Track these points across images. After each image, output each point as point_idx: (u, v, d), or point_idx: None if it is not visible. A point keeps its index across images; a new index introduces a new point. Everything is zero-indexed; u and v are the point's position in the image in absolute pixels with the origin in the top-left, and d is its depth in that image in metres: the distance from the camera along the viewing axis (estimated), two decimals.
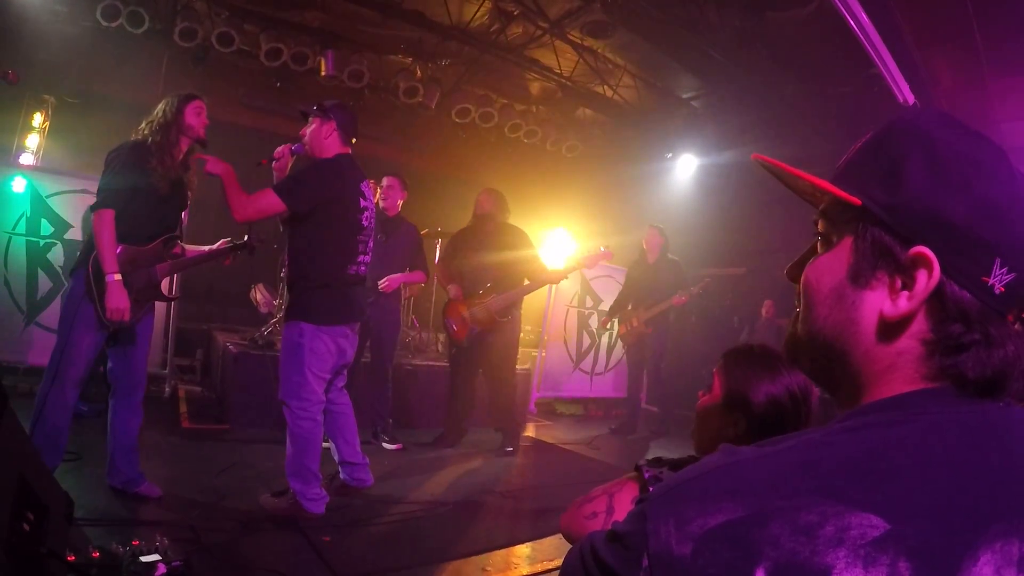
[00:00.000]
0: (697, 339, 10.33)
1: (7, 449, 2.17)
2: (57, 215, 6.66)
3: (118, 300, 3.78)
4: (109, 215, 3.81)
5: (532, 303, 6.75)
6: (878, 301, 0.78)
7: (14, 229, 6.50)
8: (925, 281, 0.74)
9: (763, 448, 0.72)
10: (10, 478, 2.17)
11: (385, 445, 6.08)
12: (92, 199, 3.97)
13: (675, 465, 1.56)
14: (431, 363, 7.66)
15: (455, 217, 7.79)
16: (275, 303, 7.96)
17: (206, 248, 4.46)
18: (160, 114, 4.04)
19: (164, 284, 4.31)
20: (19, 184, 6.54)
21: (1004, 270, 0.74)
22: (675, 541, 0.66)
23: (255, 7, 8.64)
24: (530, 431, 7.93)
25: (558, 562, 3.87)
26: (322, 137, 4.25)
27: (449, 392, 6.66)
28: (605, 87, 10.14)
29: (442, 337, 8.44)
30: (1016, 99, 7.44)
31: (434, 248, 8.36)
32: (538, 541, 4.33)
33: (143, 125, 4.07)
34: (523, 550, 4.22)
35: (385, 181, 6.13)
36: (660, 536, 0.67)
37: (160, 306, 6.02)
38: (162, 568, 3.03)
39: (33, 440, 3.44)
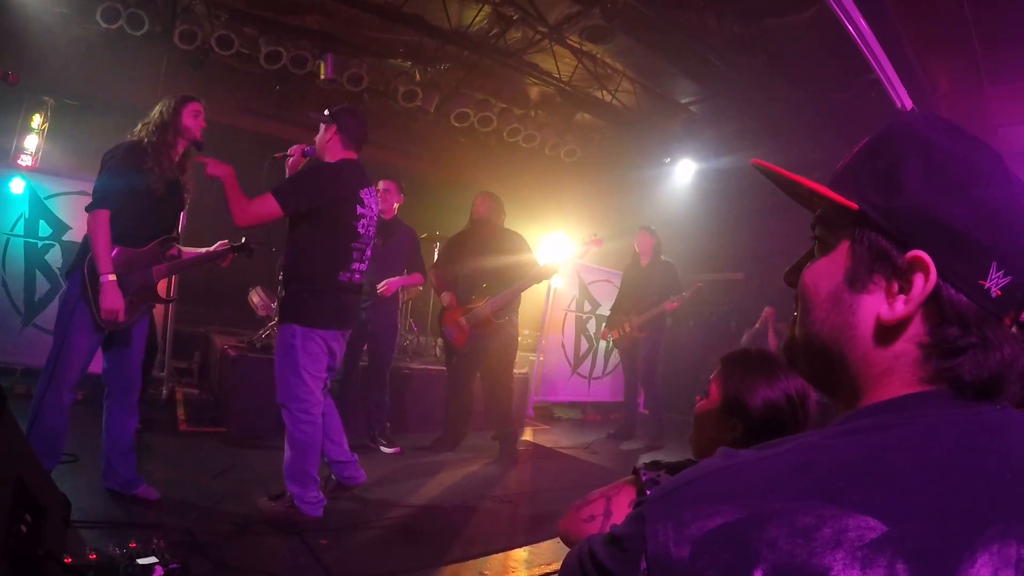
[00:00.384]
0: (695, 344, 10.35)
1: (5, 450, 2.17)
2: (55, 217, 6.66)
3: (112, 301, 3.77)
4: (104, 216, 3.80)
5: (530, 307, 6.75)
6: (875, 305, 0.79)
7: (12, 230, 6.50)
8: (922, 285, 0.74)
9: (761, 451, 0.73)
10: (8, 480, 2.17)
11: (383, 449, 6.08)
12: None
13: (673, 468, 1.56)
14: (429, 367, 7.66)
15: (454, 221, 7.80)
16: (273, 306, 7.95)
17: (203, 250, 4.46)
18: (157, 115, 4.04)
19: (161, 286, 4.30)
20: (18, 185, 6.54)
21: (1000, 273, 0.74)
22: (673, 544, 0.66)
23: (255, 10, 8.65)
24: (528, 435, 7.93)
25: (556, 566, 3.87)
26: (325, 140, 4.29)
27: (447, 396, 6.65)
28: (604, 92, 10.16)
29: (440, 341, 8.44)
30: (1014, 104, 7.45)
31: (433, 252, 8.37)
32: (536, 545, 4.32)
33: (140, 127, 4.07)
34: (520, 554, 4.22)
35: (381, 184, 6.12)
36: (658, 539, 0.67)
37: (158, 308, 6.03)
38: (159, 571, 3.02)
39: (30, 442, 3.43)
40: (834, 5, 5.92)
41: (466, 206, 6.75)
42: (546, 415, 9.53)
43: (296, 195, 4.09)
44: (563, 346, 9.72)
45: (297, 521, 4.05)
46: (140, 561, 3.05)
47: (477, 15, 8.53)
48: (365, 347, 6.23)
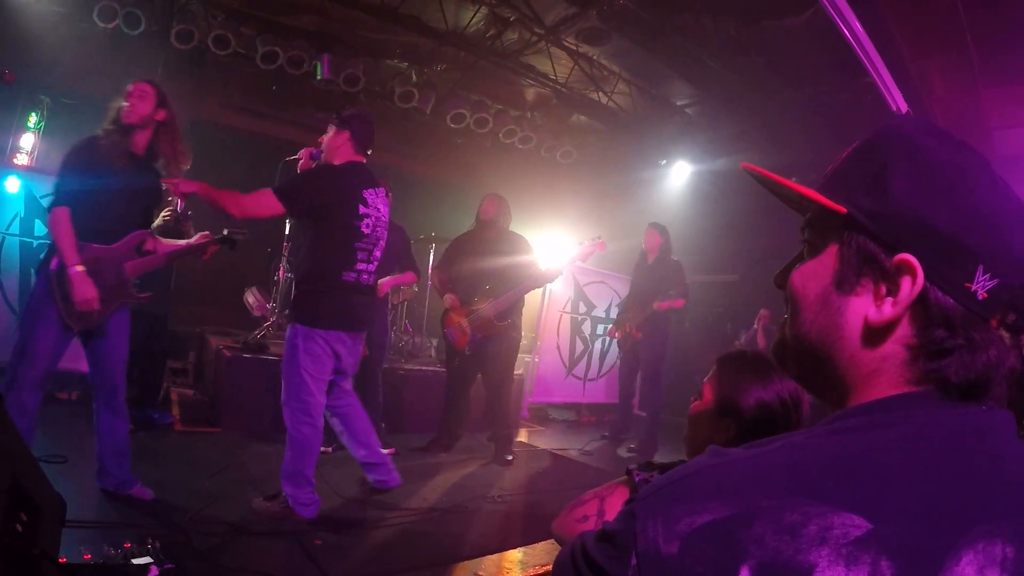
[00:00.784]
0: (690, 345, 10.35)
1: (0, 449, 2.17)
2: None
3: (84, 291, 3.69)
4: (62, 212, 3.72)
5: (525, 309, 6.74)
6: (863, 307, 0.80)
7: (8, 229, 6.49)
8: (909, 288, 0.75)
9: (749, 450, 0.74)
10: (3, 478, 2.17)
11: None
12: None
13: (665, 469, 1.56)
14: (424, 368, 7.66)
15: (449, 222, 7.81)
16: (268, 306, 7.97)
17: (182, 243, 4.38)
18: (114, 107, 3.96)
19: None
20: (13, 184, 6.54)
21: (987, 276, 0.75)
22: (663, 540, 0.67)
23: (252, 10, 8.65)
24: (523, 436, 7.94)
25: (550, 567, 3.88)
26: (335, 145, 4.32)
27: (446, 397, 6.66)
28: (600, 94, 10.17)
29: (435, 342, 8.45)
30: (1009, 107, 7.47)
31: (428, 253, 8.37)
32: (530, 546, 4.33)
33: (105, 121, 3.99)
34: (515, 555, 4.23)
35: None
36: (648, 535, 0.68)
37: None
38: (154, 571, 3.02)
39: None
40: (829, 8, 5.94)
41: (462, 207, 6.77)
42: (541, 416, 9.55)
43: (294, 192, 4.11)
44: (558, 347, 9.72)
45: (291, 521, 4.06)
46: (135, 561, 3.05)
47: (474, 16, 8.54)
48: None
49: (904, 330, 0.78)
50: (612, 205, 12.07)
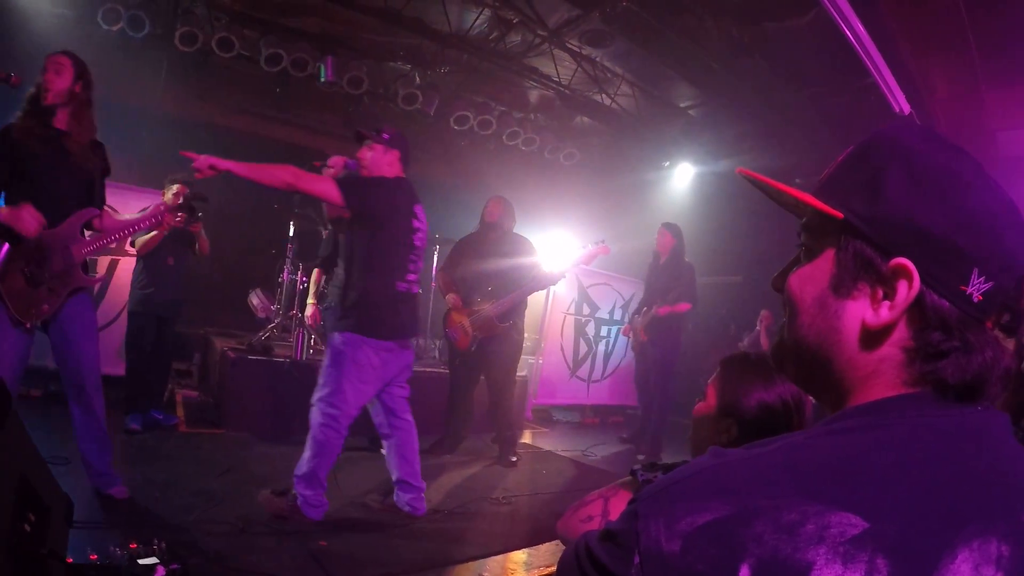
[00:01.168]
0: (693, 347, 10.34)
1: (10, 449, 2.18)
2: None
3: (24, 222, 3.54)
4: None
5: (529, 310, 6.76)
6: (860, 310, 0.81)
7: None
8: (906, 291, 0.77)
9: (749, 450, 0.75)
10: (12, 478, 2.18)
11: (383, 451, 6.09)
12: None
13: (669, 470, 1.58)
14: (428, 369, 7.66)
15: (452, 224, 7.81)
16: (272, 308, 7.98)
17: (136, 215, 4.20)
18: (31, 87, 3.77)
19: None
20: None
21: (982, 279, 0.76)
22: (665, 539, 0.68)
23: (255, 13, 8.66)
24: (527, 438, 7.95)
25: (555, 568, 3.89)
26: (386, 162, 4.35)
27: (449, 399, 6.66)
28: (603, 96, 10.17)
29: (439, 343, 8.45)
30: (1012, 108, 7.46)
31: (432, 255, 8.37)
32: (535, 547, 4.34)
33: None
34: (520, 556, 4.24)
35: None
36: (651, 534, 0.69)
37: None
38: (160, 571, 3.04)
39: None
40: (831, 9, 5.95)
41: (465, 209, 6.77)
42: (545, 418, 9.55)
43: (358, 190, 4.15)
44: (562, 349, 9.73)
45: (296, 521, 4.08)
46: (141, 562, 3.07)
47: (477, 18, 8.55)
48: None
49: (901, 333, 0.79)
50: (616, 207, 12.06)
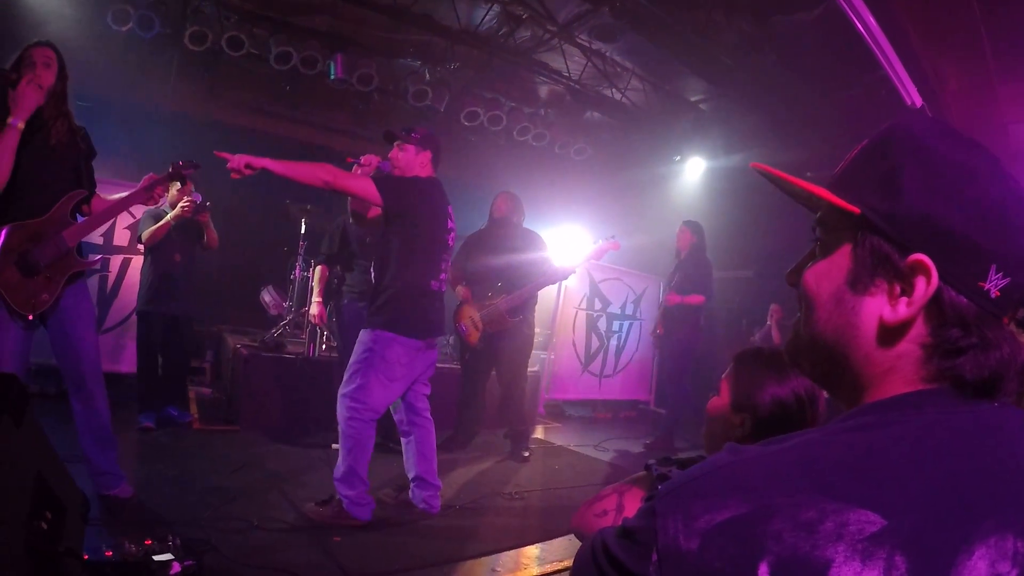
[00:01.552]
0: (705, 342, 10.32)
1: (27, 448, 2.20)
2: None
3: (27, 98, 3.51)
4: None
5: (540, 305, 6.76)
6: (877, 307, 0.80)
7: None
8: (924, 288, 0.76)
9: (766, 447, 0.75)
10: (29, 477, 2.20)
11: (393, 447, 6.10)
12: None
13: (683, 464, 1.58)
14: (440, 365, 7.64)
15: (464, 221, 7.77)
16: (284, 305, 8.01)
17: (124, 194, 4.09)
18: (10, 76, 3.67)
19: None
20: None
21: (1000, 275, 0.76)
22: (683, 536, 0.68)
23: (265, 11, 8.68)
24: (539, 433, 7.95)
25: (568, 563, 3.89)
26: (420, 163, 4.40)
27: (461, 395, 6.67)
28: (613, 90, 10.15)
29: (452, 339, 8.45)
30: None
31: None
32: (548, 542, 4.34)
33: None
34: (533, 551, 4.24)
35: None
36: (669, 531, 0.69)
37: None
38: (175, 567, 3.06)
39: None
40: (843, 2, 5.92)
41: (477, 205, 6.77)
42: (557, 413, 9.55)
43: (400, 194, 4.19)
44: (574, 344, 9.72)
45: (345, 525, 4.10)
46: (156, 558, 3.08)
47: (486, 14, 8.55)
48: None
49: (919, 329, 0.79)
50: (627, 202, 12.04)
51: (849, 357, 0.83)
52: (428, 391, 4.66)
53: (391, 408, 4.55)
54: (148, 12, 7.87)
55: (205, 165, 4.17)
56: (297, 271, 7.88)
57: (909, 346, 0.79)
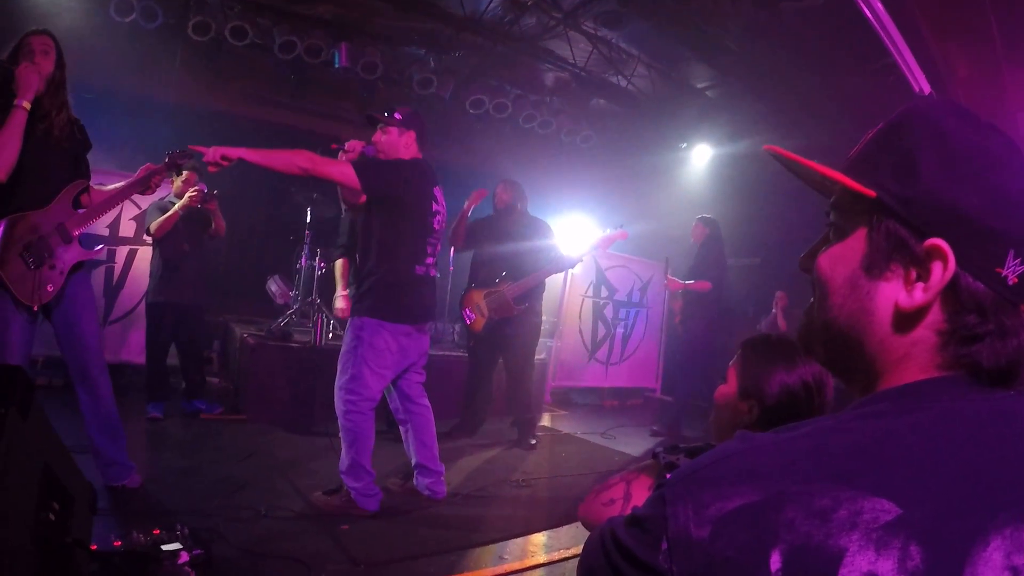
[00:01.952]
0: (712, 329, 10.31)
1: (33, 439, 2.20)
2: None
3: (27, 78, 3.49)
4: None
5: (547, 293, 6.76)
6: (893, 292, 0.79)
7: None
8: (940, 273, 0.75)
9: (778, 434, 0.74)
10: (36, 468, 2.20)
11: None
12: None
13: (691, 452, 1.57)
14: (447, 353, 7.68)
15: (472, 210, 7.79)
16: (291, 294, 8.02)
17: (121, 183, 4.15)
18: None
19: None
20: None
21: (1017, 261, 0.75)
22: (694, 525, 0.67)
23: (268, 1, 8.65)
24: (546, 420, 7.97)
25: (575, 550, 3.90)
26: (403, 144, 4.32)
27: (468, 383, 6.68)
28: (619, 77, 10.10)
29: (457, 327, 8.46)
30: None
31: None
32: (555, 530, 4.35)
33: None
34: (540, 538, 4.25)
35: None
36: (679, 520, 0.68)
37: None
38: (184, 557, 3.07)
39: None
40: None
41: None
42: (564, 400, 9.57)
43: (376, 173, 4.12)
44: (580, 332, 9.73)
45: (352, 515, 4.11)
46: (165, 547, 3.09)
47: (491, 2, 8.50)
48: None
49: (935, 315, 0.77)
50: (633, 189, 12.00)
51: (863, 343, 0.82)
52: (423, 379, 4.63)
53: (385, 395, 4.54)
54: (151, 3, 7.85)
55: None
56: (303, 260, 7.89)
57: (925, 332, 0.78)
